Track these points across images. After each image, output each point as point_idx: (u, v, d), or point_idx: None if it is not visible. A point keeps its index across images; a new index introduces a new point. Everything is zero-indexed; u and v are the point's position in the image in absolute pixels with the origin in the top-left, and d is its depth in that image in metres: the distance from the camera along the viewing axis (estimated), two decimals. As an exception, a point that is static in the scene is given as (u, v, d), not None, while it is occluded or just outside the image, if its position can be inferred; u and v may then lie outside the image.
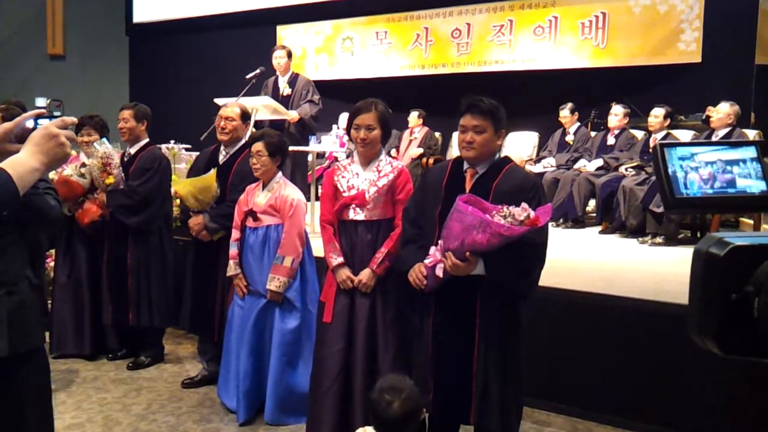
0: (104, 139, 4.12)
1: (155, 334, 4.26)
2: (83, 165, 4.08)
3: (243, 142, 3.81)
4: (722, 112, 5.36)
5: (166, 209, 4.21)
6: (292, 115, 5.39)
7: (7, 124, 1.62)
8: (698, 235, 5.65)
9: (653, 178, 5.47)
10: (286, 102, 5.48)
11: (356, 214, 2.89)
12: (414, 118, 7.59)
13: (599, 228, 5.97)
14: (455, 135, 6.58)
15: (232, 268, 3.47)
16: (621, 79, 7.05)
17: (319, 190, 3.57)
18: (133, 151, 4.15)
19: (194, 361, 4.23)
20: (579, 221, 6.17)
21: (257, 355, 3.40)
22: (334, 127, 8.12)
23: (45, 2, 10.74)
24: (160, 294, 4.12)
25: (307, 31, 9.43)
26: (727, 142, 1.04)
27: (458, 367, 2.48)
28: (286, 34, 9.53)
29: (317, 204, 3.75)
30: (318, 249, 3.23)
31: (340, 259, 2.89)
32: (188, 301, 3.84)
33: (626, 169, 5.81)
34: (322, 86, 6.03)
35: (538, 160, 6.83)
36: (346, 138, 7.15)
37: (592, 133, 6.70)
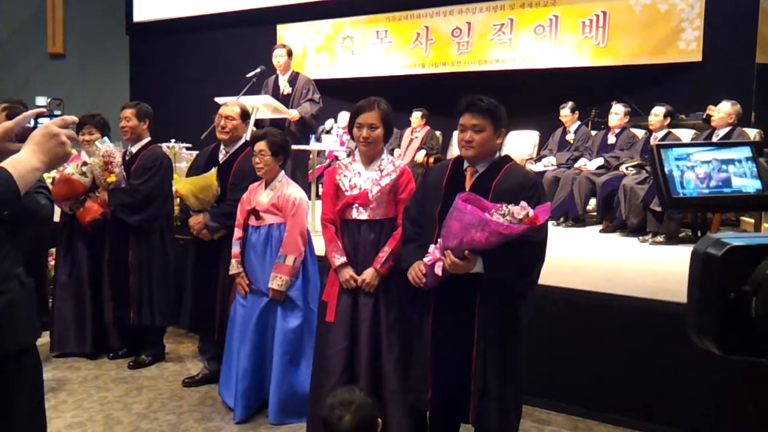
0: (105, 138, 4.12)
1: (156, 332, 4.27)
2: (84, 164, 4.08)
3: (243, 141, 3.82)
4: (723, 111, 5.36)
5: (168, 208, 4.22)
6: (293, 114, 5.39)
7: (8, 123, 1.62)
8: (699, 234, 5.65)
9: (654, 176, 5.47)
10: (286, 101, 5.49)
11: (359, 214, 2.89)
12: (417, 118, 7.60)
13: (600, 227, 5.97)
14: (455, 134, 6.59)
15: (234, 267, 3.47)
16: (621, 78, 7.05)
17: (320, 189, 3.56)
18: (134, 150, 4.16)
19: (195, 359, 4.24)
20: (579, 220, 6.17)
21: (258, 353, 3.40)
22: (330, 120, 8.13)
23: (45, 1, 10.75)
24: (161, 293, 4.13)
25: (308, 30, 9.44)
26: (722, 143, 1.05)
27: (457, 366, 2.48)
28: (286, 33, 9.54)
29: (318, 203, 3.75)
30: (319, 248, 3.23)
31: (343, 259, 2.89)
32: (188, 300, 3.84)
33: (627, 168, 5.81)
34: (322, 85, 6.03)
35: (538, 158, 6.83)
36: (346, 137, 7.19)
37: (593, 132, 6.70)
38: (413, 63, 8.59)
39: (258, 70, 5.71)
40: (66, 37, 10.89)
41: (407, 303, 2.75)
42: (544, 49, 7.66)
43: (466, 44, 8.19)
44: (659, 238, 5.24)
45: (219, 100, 4.85)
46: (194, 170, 3.91)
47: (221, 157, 3.80)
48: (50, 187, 2.96)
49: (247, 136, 3.92)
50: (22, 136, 1.59)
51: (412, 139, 7.65)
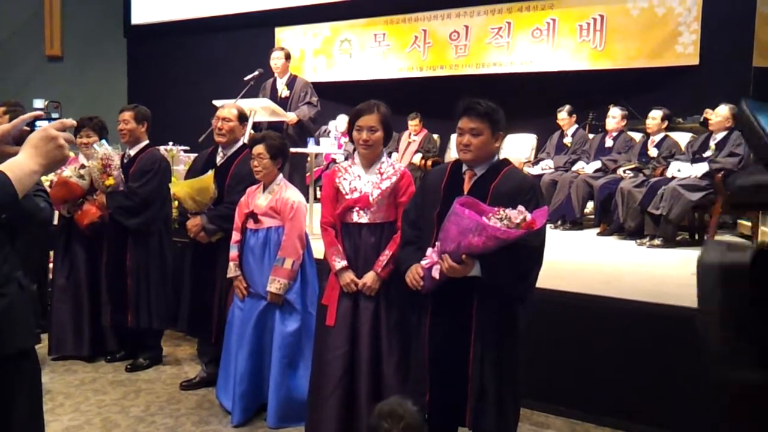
0: (103, 141, 4.12)
1: (154, 335, 4.26)
2: (82, 166, 4.08)
3: (240, 143, 3.82)
4: (721, 115, 5.38)
5: (166, 211, 4.21)
6: (291, 117, 5.39)
7: (5, 126, 1.62)
8: (695, 237, 5.66)
9: (651, 180, 5.49)
10: (284, 104, 5.48)
11: (360, 217, 2.88)
12: (416, 122, 7.63)
13: (597, 230, 5.98)
14: (453, 137, 6.60)
15: (232, 270, 3.46)
16: (619, 81, 7.07)
17: (318, 192, 3.56)
18: (132, 152, 4.15)
19: (193, 362, 4.23)
20: (577, 223, 6.18)
21: (256, 357, 3.39)
22: (331, 122, 8.15)
23: (43, 4, 10.73)
24: (159, 296, 4.12)
25: (305, 33, 9.45)
26: None
27: (454, 369, 2.47)
28: (284, 36, 9.55)
29: (315, 206, 3.75)
30: (318, 251, 3.23)
31: (344, 263, 2.87)
32: (186, 303, 3.84)
33: (624, 171, 5.82)
34: (320, 88, 6.03)
35: (536, 162, 6.84)
36: (344, 140, 7.20)
37: (590, 136, 6.71)
38: (411, 66, 8.60)
39: (256, 72, 5.71)
40: (64, 40, 10.88)
41: (407, 306, 2.75)
42: (541, 52, 7.68)
43: (463, 47, 8.21)
44: (657, 241, 5.25)
45: (217, 102, 4.85)
46: (192, 173, 3.90)
47: (219, 159, 3.80)
48: (48, 190, 2.96)
49: (244, 139, 3.91)
50: (19, 138, 1.59)
51: (409, 143, 7.67)
